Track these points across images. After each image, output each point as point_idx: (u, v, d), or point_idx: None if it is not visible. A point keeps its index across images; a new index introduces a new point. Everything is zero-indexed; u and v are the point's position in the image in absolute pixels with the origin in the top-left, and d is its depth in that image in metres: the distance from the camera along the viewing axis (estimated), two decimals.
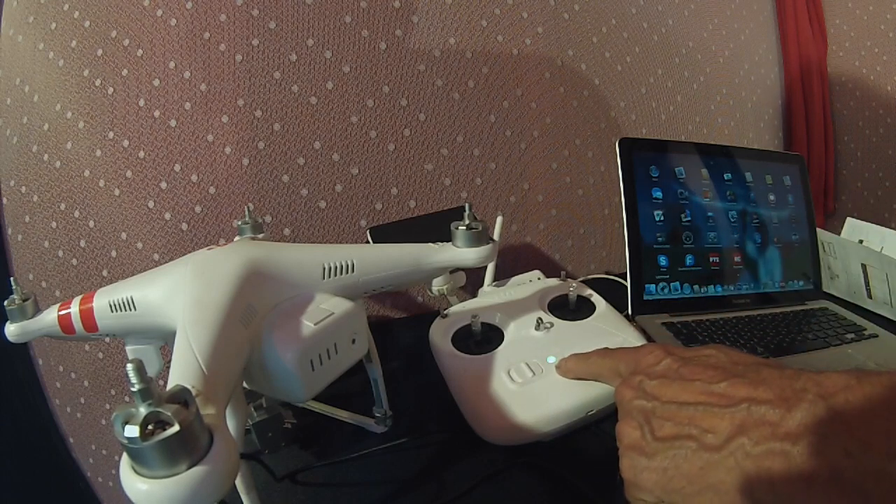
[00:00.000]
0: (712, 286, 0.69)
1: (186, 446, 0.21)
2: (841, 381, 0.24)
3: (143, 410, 0.20)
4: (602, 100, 0.96)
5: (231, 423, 0.34)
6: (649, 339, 0.57)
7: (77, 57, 0.74)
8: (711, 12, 1.09)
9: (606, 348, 0.41)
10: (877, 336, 0.63)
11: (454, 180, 0.86)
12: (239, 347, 0.32)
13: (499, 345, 0.50)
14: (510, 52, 0.87)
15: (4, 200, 0.81)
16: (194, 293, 0.34)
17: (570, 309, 0.55)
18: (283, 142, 0.78)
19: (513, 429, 0.43)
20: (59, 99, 0.75)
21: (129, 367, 0.20)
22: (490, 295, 0.59)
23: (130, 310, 0.39)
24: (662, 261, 0.66)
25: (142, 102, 0.74)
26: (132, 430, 0.20)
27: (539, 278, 0.64)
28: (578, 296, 0.56)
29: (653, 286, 0.66)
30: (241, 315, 0.34)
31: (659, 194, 0.67)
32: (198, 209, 0.77)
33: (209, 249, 0.39)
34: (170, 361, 0.29)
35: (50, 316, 0.41)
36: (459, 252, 0.43)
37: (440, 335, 0.52)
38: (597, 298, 0.57)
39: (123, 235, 0.78)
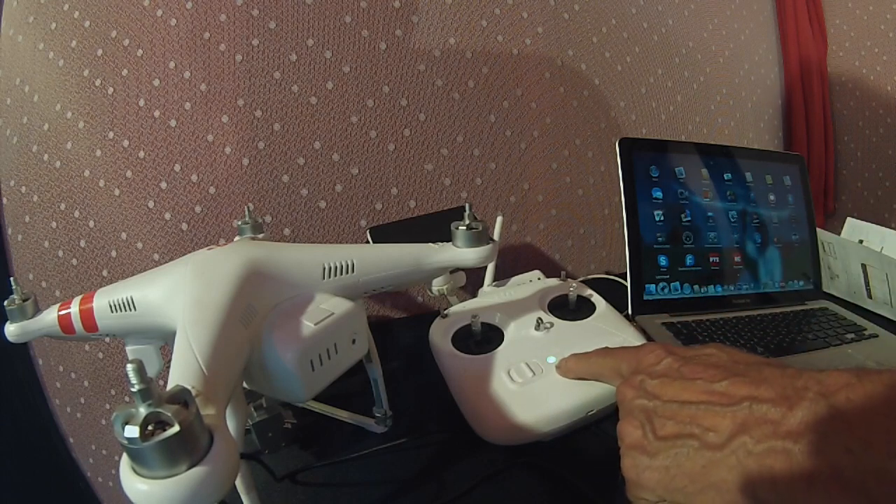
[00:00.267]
0: (712, 286, 0.69)
1: (186, 447, 0.21)
2: (842, 379, 0.24)
3: (143, 411, 0.20)
4: (602, 100, 0.96)
5: (231, 423, 0.33)
6: (649, 339, 0.57)
7: (77, 57, 0.74)
8: (711, 12, 1.09)
9: (607, 348, 0.41)
10: (877, 336, 0.63)
11: (454, 180, 0.86)
12: (239, 347, 0.32)
13: (499, 345, 0.50)
14: (510, 52, 0.87)
15: (4, 200, 0.81)
16: (194, 293, 0.34)
17: (570, 309, 0.55)
18: (283, 142, 0.78)
19: (513, 429, 0.43)
20: (59, 99, 0.75)
21: (129, 367, 0.20)
22: (490, 295, 0.59)
23: (130, 310, 0.39)
24: (662, 261, 0.66)
25: (142, 102, 0.74)
26: (132, 431, 0.20)
27: (539, 278, 0.64)
28: (578, 296, 0.56)
29: (653, 286, 0.66)
30: (241, 315, 0.34)
31: (659, 194, 0.67)
32: (198, 209, 0.77)
33: (209, 249, 0.39)
34: (170, 361, 0.29)
35: (50, 316, 0.41)
36: (459, 252, 0.43)
37: (440, 335, 0.52)
38: (597, 298, 0.57)
39: (123, 235, 0.78)
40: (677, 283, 0.67)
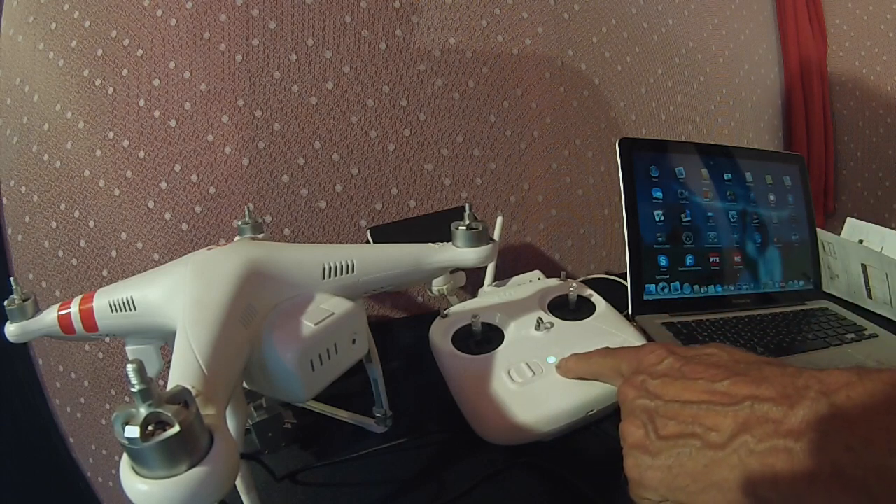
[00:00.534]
0: (712, 286, 0.69)
1: (186, 447, 0.21)
2: (842, 378, 0.24)
3: (143, 411, 0.20)
4: (602, 100, 0.96)
5: (231, 424, 0.33)
6: (649, 339, 0.57)
7: (77, 57, 0.74)
8: (711, 12, 1.09)
9: (608, 348, 0.41)
10: (877, 336, 0.63)
11: (454, 180, 0.86)
12: (239, 347, 0.32)
13: (499, 345, 0.50)
14: (510, 52, 0.87)
15: (4, 200, 0.81)
16: (194, 293, 0.34)
17: (570, 309, 0.55)
18: (283, 142, 0.78)
19: (513, 429, 0.43)
20: (59, 99, 0.75)
21: (130, 367, 0.20)
22: (490, 295, 0.59)
23: (130, 310, 0.39)
24: (662, 261, 0.66)
25: (142, 102, 0.74)
26: (132, 431, 0.20)
27: (539, 278, 0.64)
28: (578, 296, 0.56)
29: (653, 286, 0.66)
30: (241, 315, 0.34)
31: (659, 194, 0.67)
32: (198, 209, 0.77)
33: (209, 249, 0.39)
34: (170, 361, 0.29)
35: (50, 316, 0.41)
36: (459, 252, 0.43)
37: (440, 335, 0.52)
38: (597, 298, 0.57)
39: (123, 235, 0.78)
40: (677, 283, 0.67)
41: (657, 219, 0.67)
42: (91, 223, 0.78)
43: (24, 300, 0.41)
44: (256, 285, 0.37)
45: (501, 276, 0.66)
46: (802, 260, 0.75)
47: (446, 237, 0.44)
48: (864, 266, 0.72)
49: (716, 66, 1.10)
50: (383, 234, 0.71)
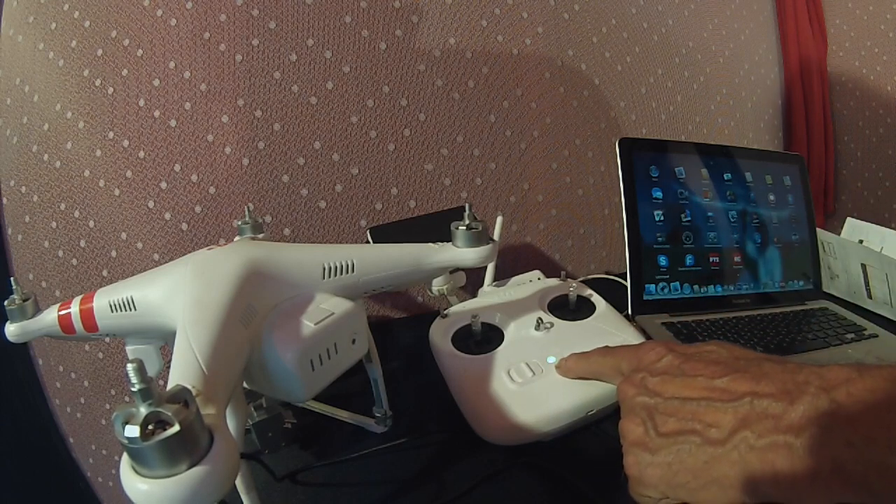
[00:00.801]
0: (712, 286, 0.69)
1: (186, 446, 0.21)
2: (843, 374, 0.24)
3: (143, 410, 0.20)
4: (602, 100, 0.96)
5: (231, 423, 0.33)
6: (649, 339, 0.57)
7: (77, 57, 0.74)
8: (711, 12, 1.09)
9: (607, 347, 0.41)
10: (877, 336, 0.63)
11: (454, 180, 0.86)
12: (239, 347, 0.32)
13: (499, 345, 0.50)
14: (510, 52, 0.87)
15: (4, 200, 0.81)
16: (194, 293, 0.34)
17: (570, 309, 0.55)
18: (283, 142, 0.78)
19: (513, 429, 0.43)
20: (59, 99, 0.75)
21: (130, 367, 0.20)
22: (490, 295, 0.59)
23: (130, 310, 0.39)
24: (662, 261, 0.66)
25: (142, 102, 0.74)
26: (132, 430, 0.20)
27: (539, 278, 0.64)
28: (578, 296, 0.56)
29: (653, 286, 0.66)
30: (241, 315, 0.34)
31: (659, 194, 0.67)
32: (198, 209, 0.77)
33: (209, 249, 0.39)
34: (170, 361, 0.29)
35: (50, 316, 0.41)
36: (459, 252, 0.43)
37: (440, 335, 0.52)
38: (597, 298, 0.57)
39: (123, 235, 0.78)
40: (677, 283, 0.67)
41: (657, 219, 0.67)
42: (91, 223, 0.78)
43: (25, 300, 0.41)
44: (256, 285, 0.37)
45: (501, 276, 0.66)
46: (802, 260, 0.75)
47: (446, 237, 0.44)
48: (864, 266, 0.72)
49: (716, 66, 1.10)
50: (383, 234, 0.71)
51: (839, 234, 0.79)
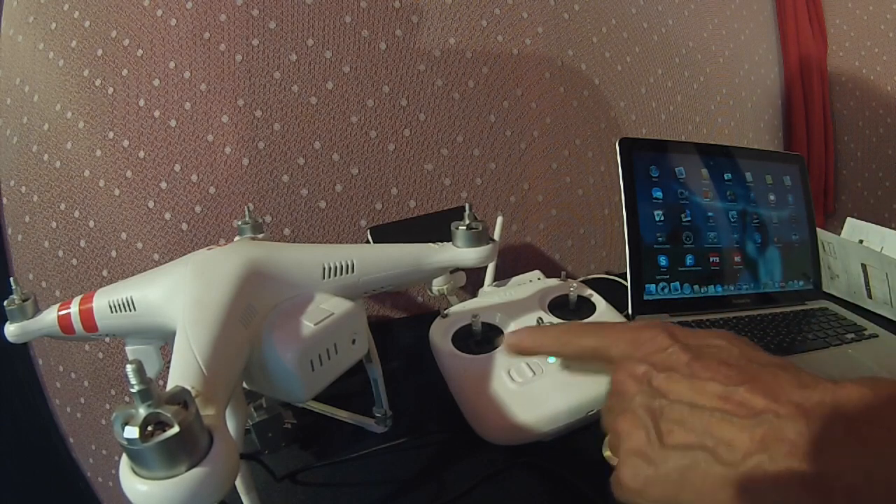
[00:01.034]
0: (712, 286, 0.69)
1: (186, 447, 0.21)
2: (856, 393, 0.23)
3: (142, 411, 0.20)
4: (602, 100, 0.96)
5: (231, 424, 0.33)
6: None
7: (77, 57, 0.74)
8: (711, 12, 1.09)
9: (583, 323, 0.36)
10: (877, 336, 0.63)
11: (454, 180, 0.86)
12: (239, 347, 0.32)
13: (499, 345, 0.50)
14: (510, 52, 0.87)
15: (4, 200, 0.81)
16: (194, 293, 0.34)
17: (570, 309, 0.55)
18: (283, 142, 0.78)
19: (513, 429, 0.43)
20: (59, 99, 0.75)
21: (129, 367, 0.20)
22: (490, 295, 0.59)
23: (130, 310, 0.39)
24: (662, 261, 0.66)
25: (142, 102, 0.74)
26: (132, 431, 0.20)
27: (539, 278, 0.64)
28: (578, 296, 0.56)
29: (653, 286, 0.66)
30: (241, 315, 0.34)
31: (659, 194, 0.67)
32: (198, 209, 0.77)
33: (209, 249, 0.39)
34: (170, 361, 0.29)
35: (50, 316, 0.41)
36: (459, 252, 0.43)
37: (440, 335, 0.52)
38: (597, 298, 0.57)
39: (123, 235, 0.78)
40: (677, 283, 0.67)
41: (657, 219, 0.67)
42: (91, 223, 0.78)
43: (24, 300, 0.41)
44: (256, 285, 0.37)
45: (501, 276, 0.66)
46: (802, 260, 0.75)
47: (446, 237, 0.44)
48: (864, 266, 0.72)
49: (716, 66, 1.10)
50: (383, 234, 0.71)
51: (839, 234, 0.79)
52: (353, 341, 0.38)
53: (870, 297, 0.72)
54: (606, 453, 0.31)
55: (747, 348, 0.28)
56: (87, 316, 0.40)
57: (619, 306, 0.58)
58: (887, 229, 0.75)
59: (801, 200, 0.76)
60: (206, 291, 0.34)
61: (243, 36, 0.75)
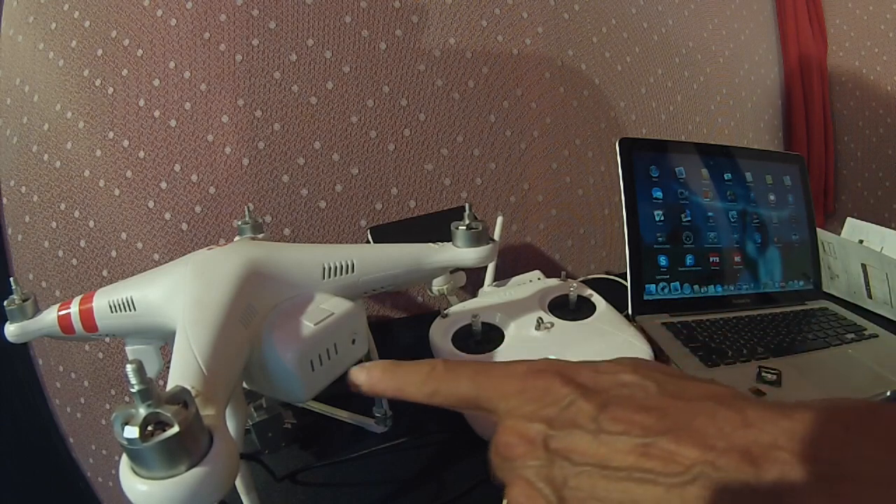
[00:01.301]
0: (712, 286, 0.69)
1: (186, 447, 0.21)
2: (819, 426, 0.18)
3: (142, 411, 0.20)
4: (602, 100, 0.96)
5: (231, 424, 0.33)
6: (650, 339, 0.57)
7: (77, 57, 0.74)
8: (711, 12, 1.09)
9: (461, 365, 0.27)
10: (877, 336, 0.63)
11: (454, 180, 0.86)
12: (239, 347, 0.32)
13: (499, 345, 0.50)
14: (510, 52, 0.87)
15: (4, 200, 0.81)
16: (194, 293, 0.34)
17: (570, 309, 0.55)
18: (283, 142, 0.78)
19: None
20: (59, 99, 0.75)
21: (129, 367, 0.20)
22: (490, 295, 0.59)
23: (130, 310, 0.39)
24: (662, 261, 0.66)
25: (142, 102, 0.74)
26: (132, 431, 0.20)
27: (539, 278, 0.64)
28: (579, 296, 0.56)
29: (653, 286, 0.66)
30: (241, 315, 0.34)
31: (659, 194, 0.67)
32: (198, 209, 0.77)
33: (209, 249, 0.39)
34: (170, 361, 0.29)
35: (50, 316, 0.41)
36: (459, 252, 0.43)
37: (440, 335, 0.52)
38: (597, 298, 0.57)
39: (123, 235, 0.78)
40: (677, 283, 0.67)
41: (657, 219, 0.66)
42: (91, 223, 0.78)
43: (24, 300, 0.41)
44: (256, 285, 0.37)
45: (501, 276, 0.66)
46: (802, 260, 0.75)
47: (446, 237, 0.44)
48: (864, 266, 0.72)
49: (716, 66, 1.10)
50: (383, 234, 0.71)
51: (839, 234, 0.79)
52: (353, 341, 0.38)
53: (870, 297, 0.72)
54: None
55: (667, 379, 0.22)
56: (87, 316, 0.40)
57: (620, 306, 0.58)
58: (887, 229, 0.75)
59: (801, 200, 0.76)
60: (206, 291, 0.34)
61: (243, 36, 0.75)
